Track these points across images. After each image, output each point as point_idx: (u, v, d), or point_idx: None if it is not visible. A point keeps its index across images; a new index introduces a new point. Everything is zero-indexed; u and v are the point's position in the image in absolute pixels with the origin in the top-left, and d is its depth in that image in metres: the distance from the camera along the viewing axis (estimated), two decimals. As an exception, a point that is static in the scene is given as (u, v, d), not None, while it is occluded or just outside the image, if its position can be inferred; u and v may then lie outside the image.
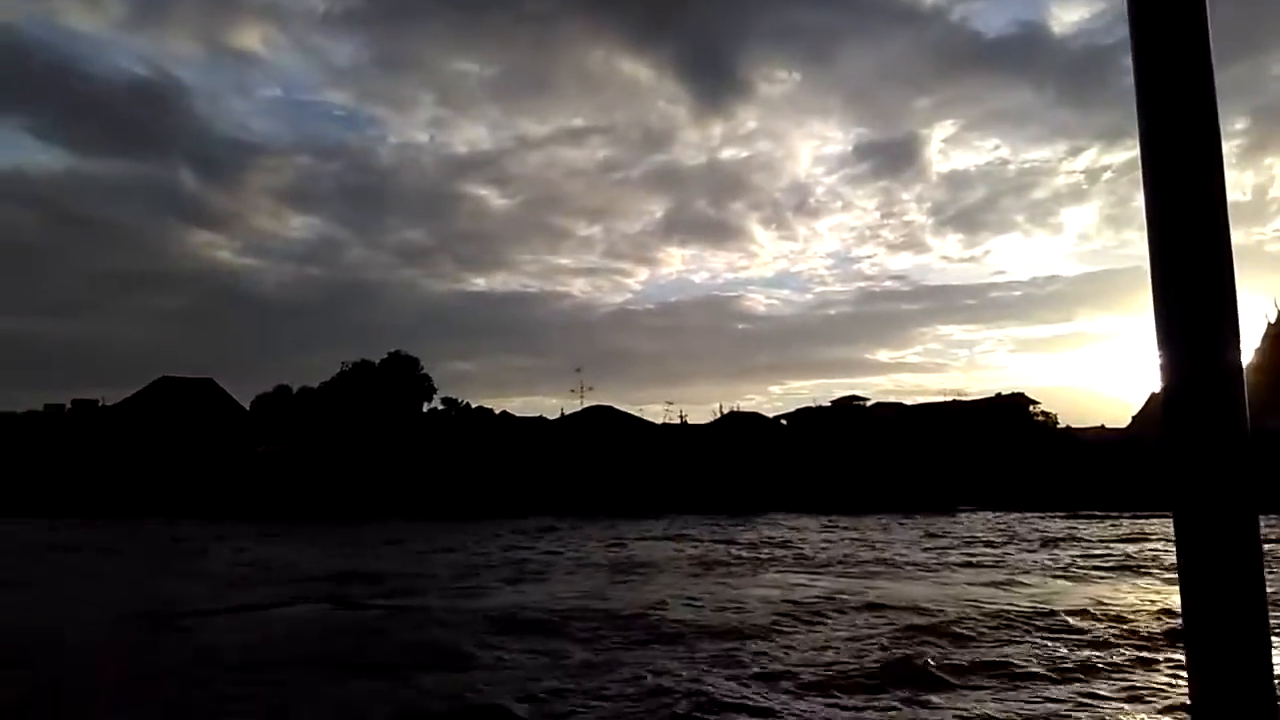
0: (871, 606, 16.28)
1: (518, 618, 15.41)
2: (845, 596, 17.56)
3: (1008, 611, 15.50)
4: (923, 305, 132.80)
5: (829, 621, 15.12)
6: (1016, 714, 9.69)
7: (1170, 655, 12.05)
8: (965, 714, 9.67)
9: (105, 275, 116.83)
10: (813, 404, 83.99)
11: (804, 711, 9.86)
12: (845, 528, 38.14)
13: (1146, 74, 1.00)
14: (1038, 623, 14.60)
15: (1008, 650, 12.62)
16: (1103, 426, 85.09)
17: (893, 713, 9.80)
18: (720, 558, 26.38)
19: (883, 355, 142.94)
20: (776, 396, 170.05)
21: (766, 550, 28.76)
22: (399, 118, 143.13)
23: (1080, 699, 10.29)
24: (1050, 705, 10.08)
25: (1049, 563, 24.61)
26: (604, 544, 31.04)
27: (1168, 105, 0.98)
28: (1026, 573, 22.26)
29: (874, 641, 13.29)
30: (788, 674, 11.38)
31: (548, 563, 25.53)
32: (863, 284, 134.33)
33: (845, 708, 10.00)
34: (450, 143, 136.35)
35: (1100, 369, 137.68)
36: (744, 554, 27.57)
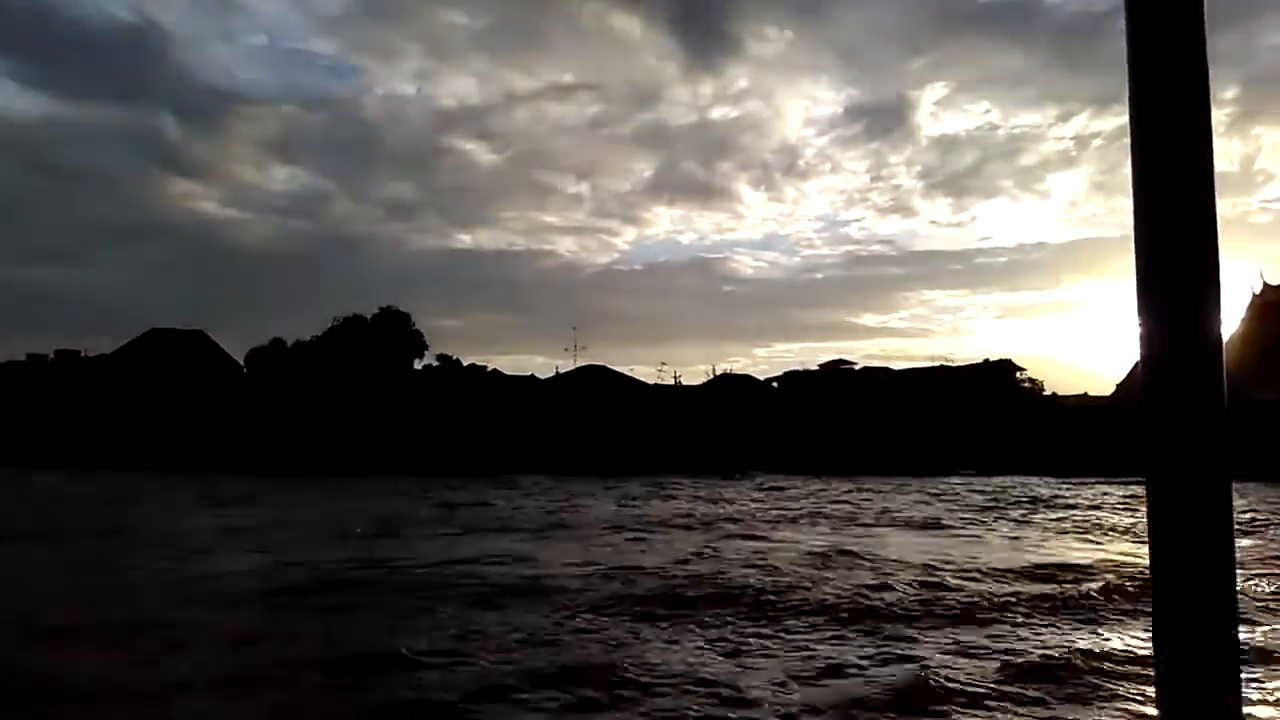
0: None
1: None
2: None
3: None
4: (909, 270, 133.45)
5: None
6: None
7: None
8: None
9: (85, 224, 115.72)
10: (800, 367, 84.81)
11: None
12: (850, 489, 38.88)
13: (1139, 42, 1.01)
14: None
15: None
16: (1085, 394, 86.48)
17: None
18: (743, 514, 27.00)
19: (868, 320, 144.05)
20: (762, 359, 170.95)
21: (777, 506, 29.45)
22: (386, 69, 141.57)
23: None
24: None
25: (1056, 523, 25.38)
26: (614, 501, 31.65)
27: (1158, 77, 0.98)
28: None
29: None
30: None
31: (580, 519, 25.88)
32: (850, 248, 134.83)
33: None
34: (437, 95, 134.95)
35: (1085, 337, 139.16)
36: (761, 511, 28.21)
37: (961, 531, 23.36)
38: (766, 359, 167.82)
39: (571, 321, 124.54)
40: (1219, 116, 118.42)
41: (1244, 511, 28.83)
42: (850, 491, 37.12)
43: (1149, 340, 0.93)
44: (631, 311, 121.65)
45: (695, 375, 75.87)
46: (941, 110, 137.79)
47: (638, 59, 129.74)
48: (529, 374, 74.19)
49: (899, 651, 10.43)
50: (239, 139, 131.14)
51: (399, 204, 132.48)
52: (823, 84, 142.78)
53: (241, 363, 75.87)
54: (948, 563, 16.64)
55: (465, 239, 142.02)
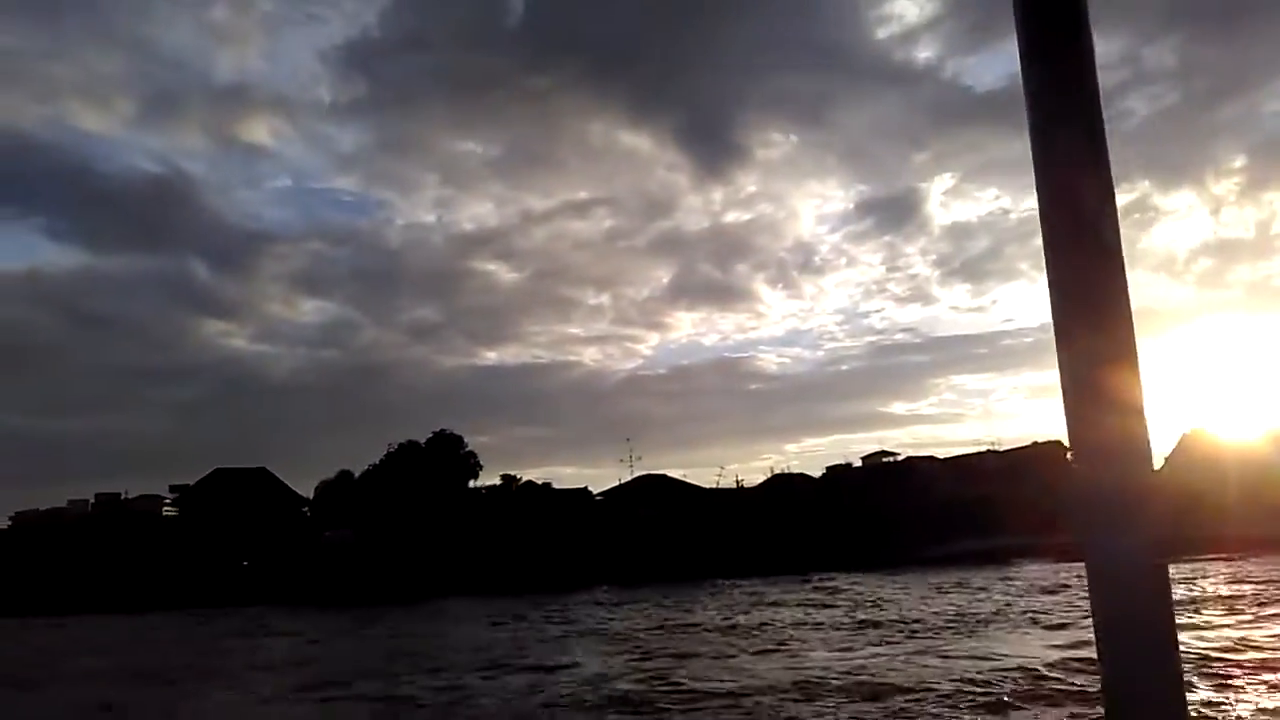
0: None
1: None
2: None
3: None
4: (934, 356, 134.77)
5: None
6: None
7: None
8: None
9: (119, 370, 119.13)
10: (840, 460, 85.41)
11: None
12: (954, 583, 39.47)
13: (1038, 114, 1.02)
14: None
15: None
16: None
17: None
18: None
19: (898, 408, 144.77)
20: (793, 454, 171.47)
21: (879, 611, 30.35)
22: (405, 200, 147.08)
23: None
24: None
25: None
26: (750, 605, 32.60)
27: (1061, 155, 1.00)
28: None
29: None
30: None
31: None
32: (873, 338, 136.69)
33: None
34: (457, 220, 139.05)
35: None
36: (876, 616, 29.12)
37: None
38: (798, 454, 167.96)
39: (599, 430, 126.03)
40: (1229, 185, 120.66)
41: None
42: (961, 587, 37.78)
43: (1076, 422, 0.95)
44: (660, 415, 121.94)
45: (727, 477, 76.55)
46: (951, 199, 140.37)
47: (649, 172, 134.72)
48: (583, 487, 75.48)
49: None
50: (267, 277, 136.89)
51: (424, 327, 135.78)
52: (831, 183, 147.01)
53: (307, 495, 77.56)
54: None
55: (491, 356, 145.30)
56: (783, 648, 22.73)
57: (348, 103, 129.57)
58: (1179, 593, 30.09)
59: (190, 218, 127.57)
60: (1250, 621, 22.27)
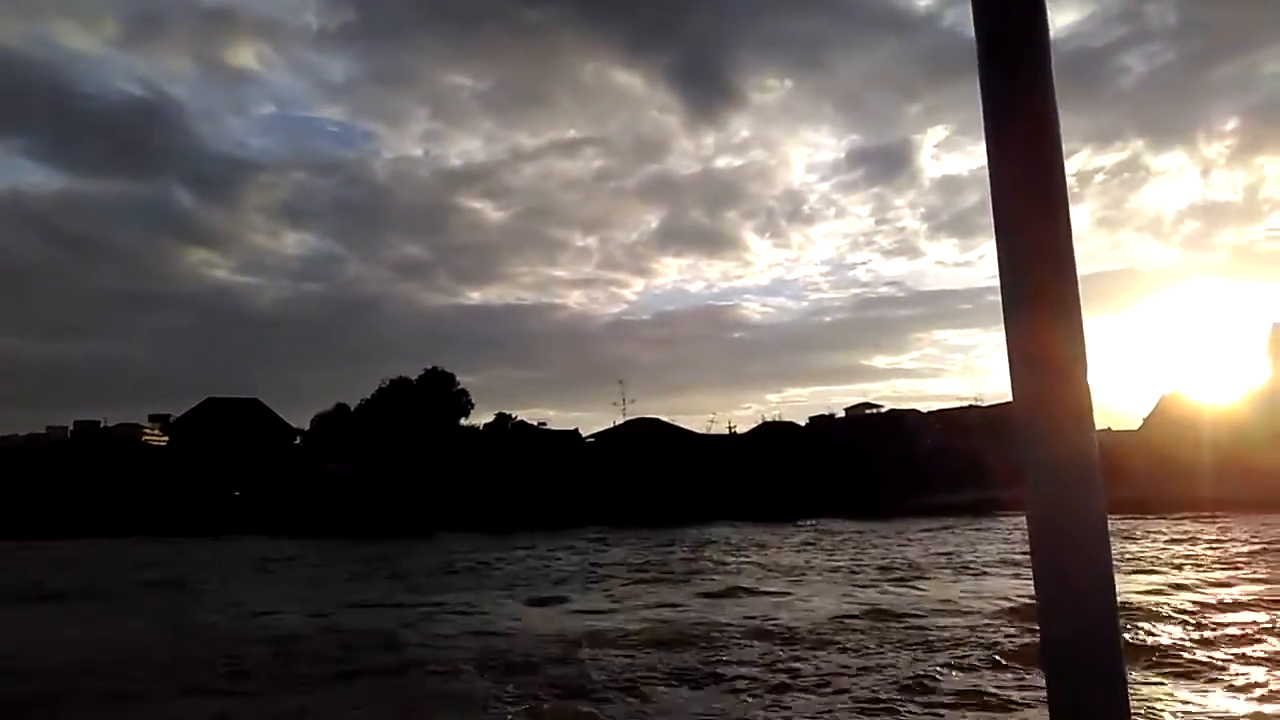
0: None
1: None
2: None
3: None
4: (918, 310, 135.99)
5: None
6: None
7: None
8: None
9: (100, 295, 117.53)
10: (824, 411, 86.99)
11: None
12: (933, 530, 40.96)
13: (991, 94, 1.06)
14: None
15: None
16: (1109, 428, 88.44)
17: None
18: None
19: (880, 361, 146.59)
20: (774, 404, 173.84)
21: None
22: (393, 132, 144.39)
23: None
24: None
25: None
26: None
27: (1014, 137, 1.04)
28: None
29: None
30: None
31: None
32: (858, 290, 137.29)
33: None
34: (445, 156, 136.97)
35: (1096, 370, 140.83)
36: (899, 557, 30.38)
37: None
38: (779, 404, 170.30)
39: (583, 373, 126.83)
40: (1220, 148, 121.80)
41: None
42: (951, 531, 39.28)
43: (1022, 391, 0.99)
44: (643, 361, 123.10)
45: (719, 423, 77.29)
46: (942, 152, 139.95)
47: (641, 113, 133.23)
48: (573, 429, 76.54)
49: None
50: (251, 206, 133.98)
51: (410, 263, 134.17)
52: (824, 131, 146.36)
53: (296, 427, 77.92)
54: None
55: (475, 296, 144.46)
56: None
57: (336, 29, 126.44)
58: (1147, 548, 31.71)
59: (174, 143, 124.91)
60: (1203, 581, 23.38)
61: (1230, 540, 34.65)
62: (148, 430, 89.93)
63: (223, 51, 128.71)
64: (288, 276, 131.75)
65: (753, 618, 18.38)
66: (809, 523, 50.34)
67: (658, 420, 70.00)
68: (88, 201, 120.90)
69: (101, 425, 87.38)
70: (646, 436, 66.31)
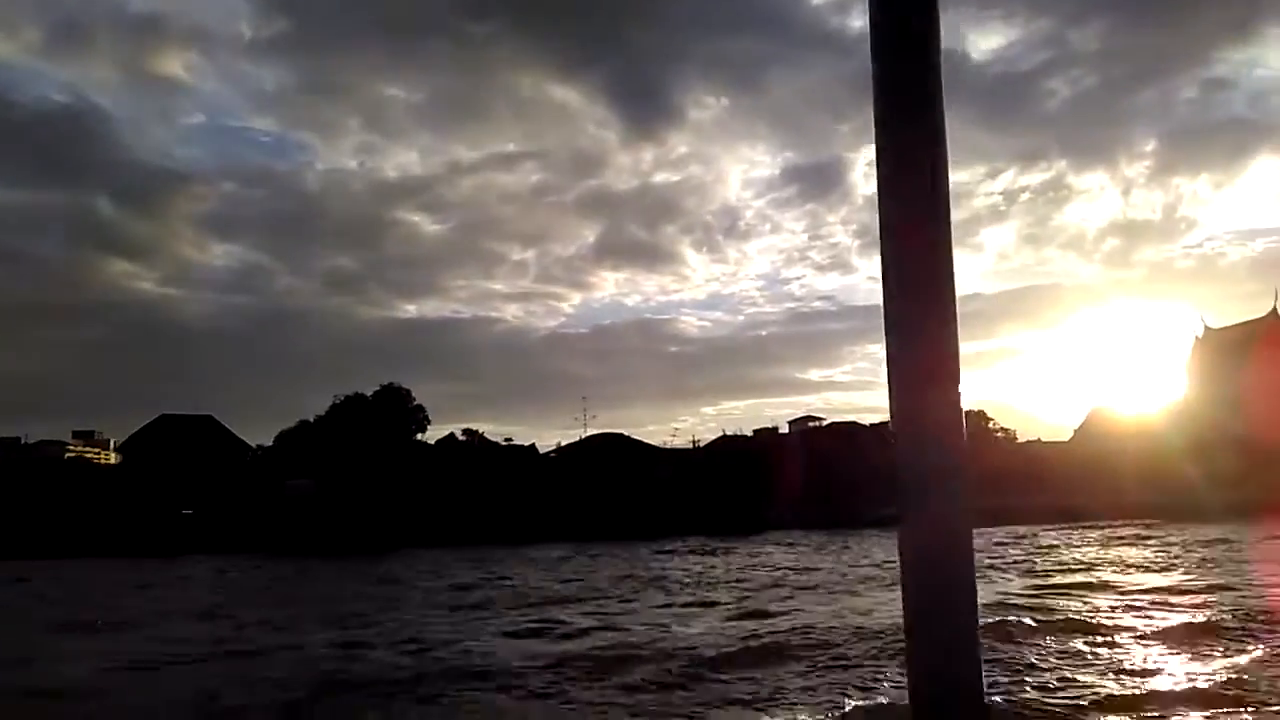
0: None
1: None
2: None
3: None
4: (851, 324, 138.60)
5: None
6: None
7: None
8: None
9: (17, 308, 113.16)
10: (771, 425, 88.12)
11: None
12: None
13: (884, 123, 1.09)
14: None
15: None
16: (1039, 439, 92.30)
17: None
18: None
19: (813, 374, 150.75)
20: (710, 417, 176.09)
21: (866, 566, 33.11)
22: (327, 144, 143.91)
23: None
24: None
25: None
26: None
27: (901, 164, 1.07)
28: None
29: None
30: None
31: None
32: (792, 305, 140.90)
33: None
34: (380, 168, 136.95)
35: (1025, 383, 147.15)
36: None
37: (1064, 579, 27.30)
38: (715, 416, 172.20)
39: (521, 387, 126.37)
40: (1139, 169, 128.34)
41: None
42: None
43: (900, 411, 1.02)
44: (580, 374, 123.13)
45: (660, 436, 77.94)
46: (874, 171, 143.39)
47: (579, 128, 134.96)
48: (531, 444, 76.92)
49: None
50: (178, 217, 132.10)
51: (342, 276, 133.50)
52: (760, 149, 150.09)
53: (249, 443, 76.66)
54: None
55: (411, 309, 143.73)
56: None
57: (269, 39, 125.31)
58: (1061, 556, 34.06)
59: (99, 152, 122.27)
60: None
61: (1147, 545, 37.98)
62: (70, 446, 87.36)
63: (150, 60, 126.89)
64: (214, 289, 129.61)
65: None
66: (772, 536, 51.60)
67: (620, 435, 71.01)
68: (6, 211, 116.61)
69: (23, 442, 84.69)
70: (608, 451, 67.15)
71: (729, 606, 22.73)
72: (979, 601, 1.08)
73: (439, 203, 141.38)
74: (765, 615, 20.59)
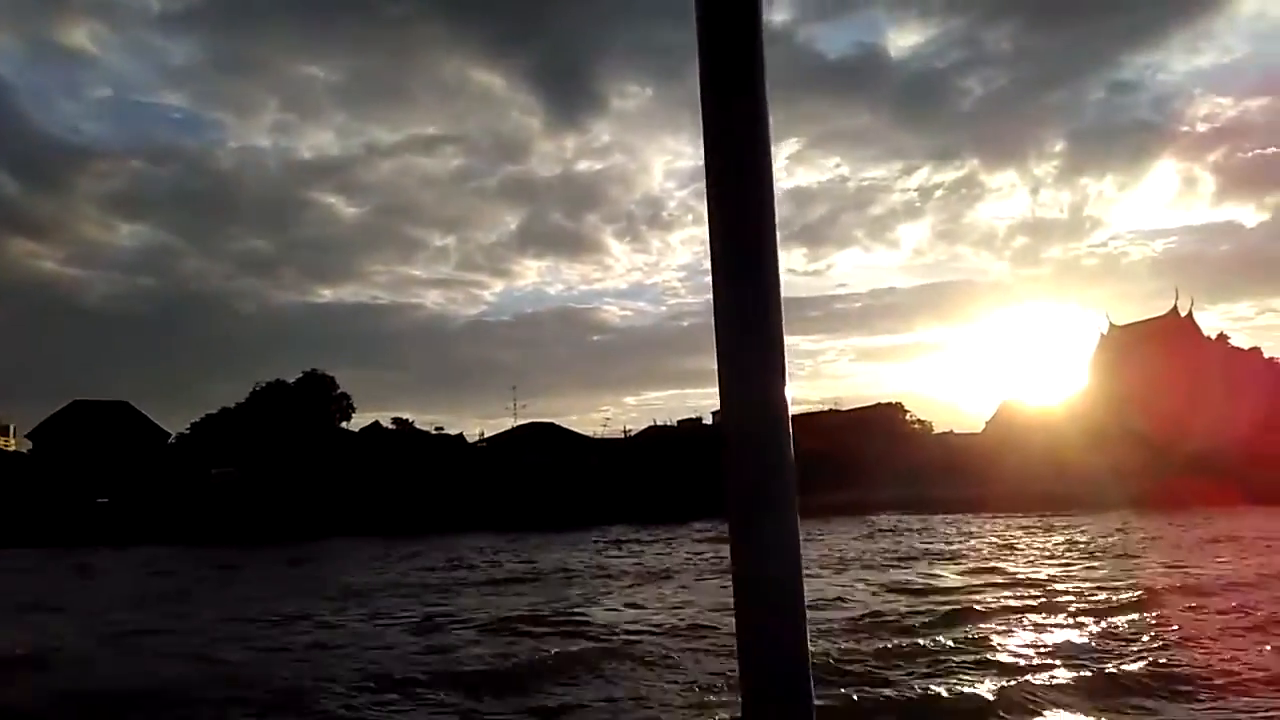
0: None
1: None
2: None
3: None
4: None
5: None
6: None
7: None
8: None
9: None
10: (694, 415, 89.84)
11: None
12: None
13: (710, 114, 1.06)
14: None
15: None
16: (951, 431, 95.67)
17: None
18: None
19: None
20: (632, 407, 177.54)
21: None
22: (240, 122, 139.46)
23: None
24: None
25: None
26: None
27: (729, 166, 1.04)
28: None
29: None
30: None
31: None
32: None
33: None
34: (296, 148, 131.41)
35: (939, 375, 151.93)
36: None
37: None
38: (637, 406, 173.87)
39: (441, 374, 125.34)
40: (1048, 169, 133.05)
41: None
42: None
43: (730, 408, 1.01)
44: (502, 362, 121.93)
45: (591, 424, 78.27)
46: (794, 165, 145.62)
47: (502, 113, 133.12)
48: (458, 433, 76.80)
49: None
50: (83, 195, 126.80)
51: (255, 259, 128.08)
52: (683, 139, 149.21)
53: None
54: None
55: (327, 294, 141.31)
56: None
57: (180, 12, 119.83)
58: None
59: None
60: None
61: (1047, 533, 40.19)
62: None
63: (54, 29, 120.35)
64: (120, 270, 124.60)
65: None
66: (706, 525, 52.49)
67: (551, 424, 71.39)
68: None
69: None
70: (539, 439, 67.53)
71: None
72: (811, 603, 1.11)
73: (356, 185, 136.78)
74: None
